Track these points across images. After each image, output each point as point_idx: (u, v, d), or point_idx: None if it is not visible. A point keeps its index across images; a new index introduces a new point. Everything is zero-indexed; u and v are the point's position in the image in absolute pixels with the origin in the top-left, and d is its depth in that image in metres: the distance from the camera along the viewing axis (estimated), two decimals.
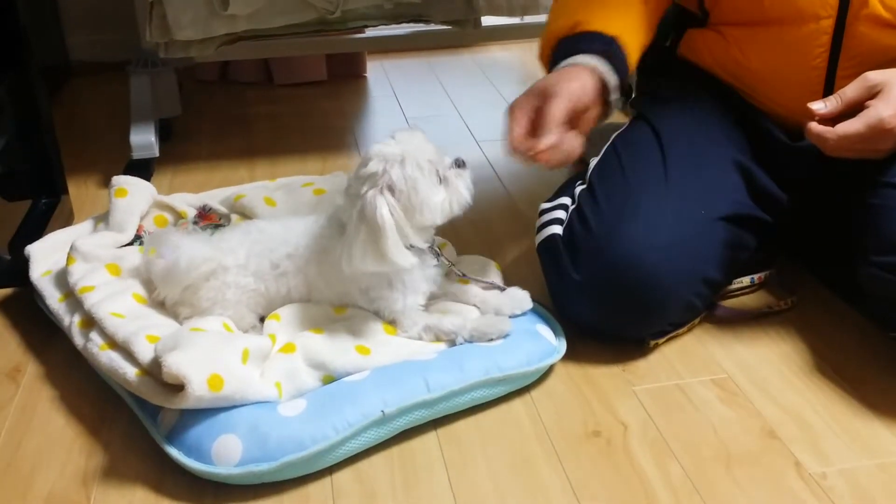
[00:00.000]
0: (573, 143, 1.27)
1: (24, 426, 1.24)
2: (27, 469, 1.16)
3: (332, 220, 1.32)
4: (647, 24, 1.43)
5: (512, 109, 1.30)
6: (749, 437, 1.20)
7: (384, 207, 1.20)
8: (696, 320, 1.42)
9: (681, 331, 1.40)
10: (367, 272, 1.24)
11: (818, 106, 1.23)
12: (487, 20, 2.27)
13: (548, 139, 1.24)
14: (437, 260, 1.35)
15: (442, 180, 1.26)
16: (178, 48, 1.96)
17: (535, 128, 1.28)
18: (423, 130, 1.28)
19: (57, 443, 1.21)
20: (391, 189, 1.21)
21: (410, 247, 1.25)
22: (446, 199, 1.27)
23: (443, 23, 2.17)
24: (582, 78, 1.30)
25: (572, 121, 1.29)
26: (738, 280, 1.48)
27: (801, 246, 1.54)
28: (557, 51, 1.39)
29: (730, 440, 1.19)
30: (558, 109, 1.26)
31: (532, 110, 1.29)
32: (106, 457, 1.18)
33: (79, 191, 1.94)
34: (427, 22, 2.18)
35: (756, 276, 1.50)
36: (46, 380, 1.34)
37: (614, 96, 1.34)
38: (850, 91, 1.23)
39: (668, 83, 1.56)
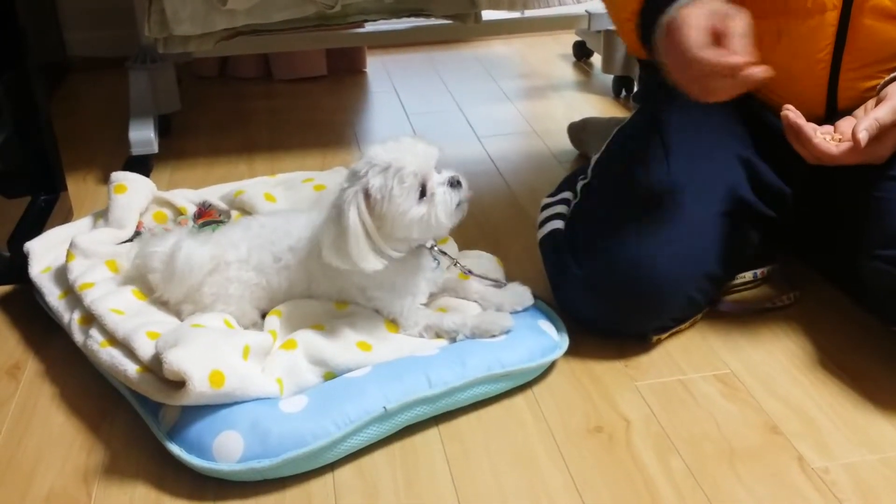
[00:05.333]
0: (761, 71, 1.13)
1: (24, 423, 1.24)
2: (28, 466, 1.16)
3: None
4: None
5: (684, 19, 1.15)
6: (751, 432, 1.19)
7: (353, 210, 1.19)
8: (699, 315, 1.42)
9: (683, 326, 1.39)
10: (341, 267, 1.23)
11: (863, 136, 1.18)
12: (488, 14, 2.26)
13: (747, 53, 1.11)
14: (437, 264, 1.35)
15: (428, 196, 1.23)
16: (177, 43, 1.95)
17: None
18: (431, 140, 1.26)
19: (57, 440, 1.20)
20: (367, 194, 1.20)
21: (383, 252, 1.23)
22: (425, 216, 1.23)
23: (443, 17, 2.17)
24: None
25: None
26: (741, 275, 1.48)
27: (804, 240, 1.53)
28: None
29: (732, 435, 1.18)
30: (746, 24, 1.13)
31: (711, 24, 1.14)
32: (107, 454, 1.17)
33: (78, 187, 1.93)
34: (427, 16, 2.17)
35: (759, 271, 1.49)
36: (46, 377, 1.33)
37: None
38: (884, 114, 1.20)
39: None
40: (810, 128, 1.21)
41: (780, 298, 1.46)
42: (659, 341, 1.37)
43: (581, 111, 2.31)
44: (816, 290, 1.50)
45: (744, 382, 1.29)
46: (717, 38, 1.14)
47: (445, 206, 1.24)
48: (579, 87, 2.62)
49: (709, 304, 1.42)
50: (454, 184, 1.25)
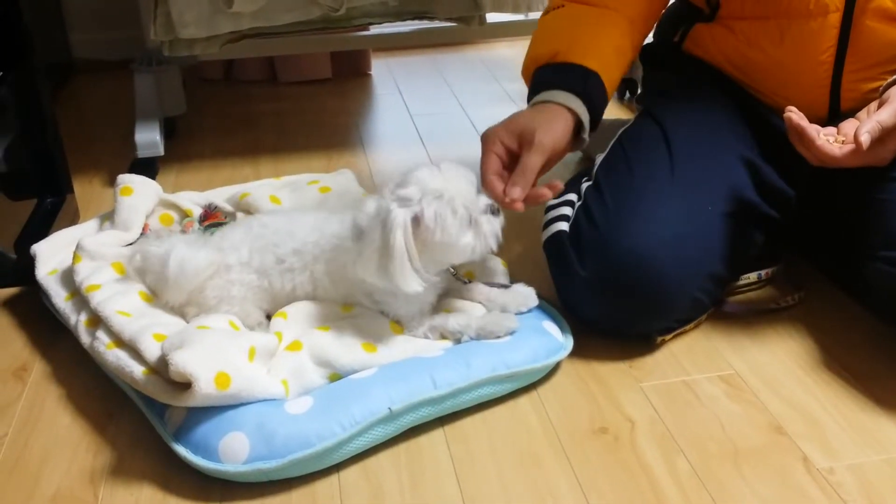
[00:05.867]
0: (545, 194, 1.29)
1: (31, 425, 1.24)
2: (34, 467, 1.16)
3: (353, 224, 1.29)
4: (632, 44, 1.45)
5: (486, 141, 1.33)
6: (756, 432, 1.19)
7: (399, 232, 1.17)
8: (703, 316, 1.42)
9: (687, 327, 1.39)
10: (372, 283, 1.23)
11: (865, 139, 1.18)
12: (492, 17, 2.26)
13: (520, 191, 1.27)
14: (461, 280, 1.37)
15: (472, 223, 1.24)
16: (183, 46, 1.96)
17: (508, 168, 1.31)
18: (468, 169, 1.27)
19: (64, 441, 1.21)
20: (417, 220, 1.20)
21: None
22: (471, 243, 1.24)
23: (447, 20, 2.17)
24: (559, 123, 1.32)
25: (543, 164, 1.31)
26: (746, 276, 1.48)
27: (808, 241, 1.54)
28: (537, 77, 1.41)
29: (737, 436, 1.19)
30: (535, 163, 1.28)
31: (506, 150, 1.32)
32: (113, 455, 1.18)
33: (84, 189, 1.94)
34: (431, 19, 2.17)
35: (763, 272, 1.49)
36: (53, 378, 1.34)
37: (586, 135, 1.37)
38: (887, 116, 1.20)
39: (674, 79, 1.56)
40: (813, 129, 1.21)
41: (785, 299, 1.46)
42: (663, 342, 1.37)
43: None
44: (821, 290, 1.50)
45: (748, 383, 1.29)
46: (514, 160, 1.31)
47: (493, 235, 1.26)
48: None
49: (713, 304, 1.42)
50: (494, 212, 1.27)
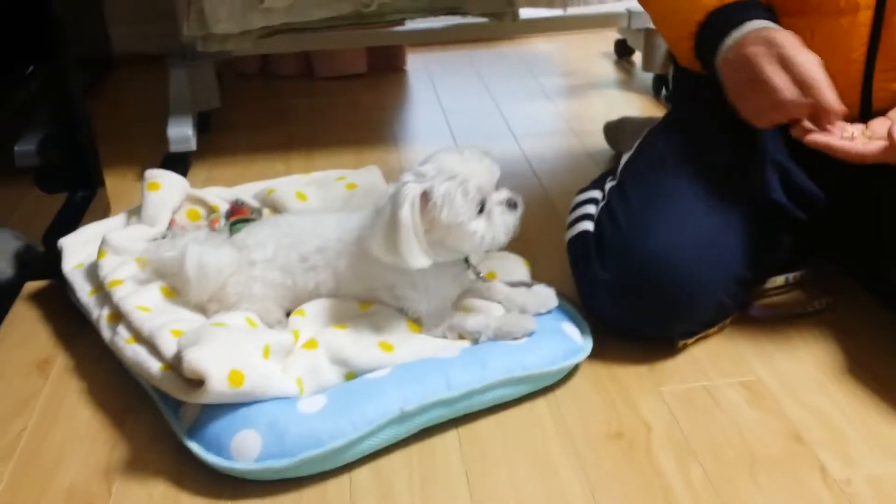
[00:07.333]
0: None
1: (50, 417, 1.25)
2: (51, 460, 1.17)
3: (375, 208, 1.28)
4: None
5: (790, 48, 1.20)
6: (774, 440, 1.17)
7: (407, 205, 1.18)
8: (727, 320, 1.39)
9: (711, 331, 1.37)
10: (384, 261, 1.22)
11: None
12: (529, 12, 2.24)
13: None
14: (477, 275, 1.35)
15: (486, 212, 1.24)
16: (216, 42, 1.97)
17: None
18: (493, 157, 1.26)
19: (82, 434, 1.22)
20: (426, 196, 1.20)
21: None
22: (479, 230, 1.23)
23: (480, 15, 2.16)
24: None
25: None
26: (773, 279, 1.46)
27: (837, 245, 1.51)
28: (712, 23, 1.30)
29: (755, 443, 1.17)
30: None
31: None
32: (129, 450, 1.19)
33: (116, 183, 1.96)
34: (464, 14, 2.17)
35: (791, 276, 1.47)
36: (75, 372, 1.35)
37: None
38: None
39: (702, 78, 1.53)
40: (840, 143, 1.18)
41: (812, 304, 1.43)
42: (685, 346, 1.35)
43: (621, 110, 2.28)
44: (850, 295, 1.47)
45: (770, 389, 1.27)
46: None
47: (504, 227, 1.25)
48: (620, 85, 2.60)
49: (738, 308, 1.40)
50: (512, 205, 1.26)
